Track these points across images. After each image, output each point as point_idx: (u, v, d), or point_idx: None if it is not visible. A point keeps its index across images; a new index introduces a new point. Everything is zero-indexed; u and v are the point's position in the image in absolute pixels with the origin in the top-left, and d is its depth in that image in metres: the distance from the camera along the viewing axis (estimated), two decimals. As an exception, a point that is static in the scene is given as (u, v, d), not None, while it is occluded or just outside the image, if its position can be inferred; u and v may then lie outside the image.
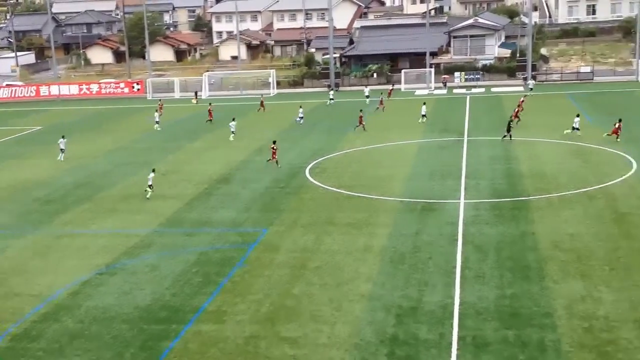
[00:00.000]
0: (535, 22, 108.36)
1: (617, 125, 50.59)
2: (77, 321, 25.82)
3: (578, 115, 54.61)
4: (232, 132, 59.42)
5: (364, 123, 59.80)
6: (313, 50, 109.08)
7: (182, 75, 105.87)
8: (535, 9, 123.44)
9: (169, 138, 62.81)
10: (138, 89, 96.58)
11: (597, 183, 39.83)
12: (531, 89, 77.07)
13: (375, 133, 58.97)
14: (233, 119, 60.62)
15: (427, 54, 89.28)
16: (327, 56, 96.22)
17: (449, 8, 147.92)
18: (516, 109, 60.53)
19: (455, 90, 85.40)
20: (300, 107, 68.28)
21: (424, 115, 63.15)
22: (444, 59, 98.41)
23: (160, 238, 34.73)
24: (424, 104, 65.04)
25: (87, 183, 47.03)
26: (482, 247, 31.00)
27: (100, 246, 33.91)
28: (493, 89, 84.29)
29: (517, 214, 35.21)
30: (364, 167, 47.21)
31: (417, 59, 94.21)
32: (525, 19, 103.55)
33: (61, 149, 54.97)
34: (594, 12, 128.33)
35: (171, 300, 27.22)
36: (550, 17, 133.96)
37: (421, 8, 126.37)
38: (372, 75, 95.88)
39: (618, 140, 49.77)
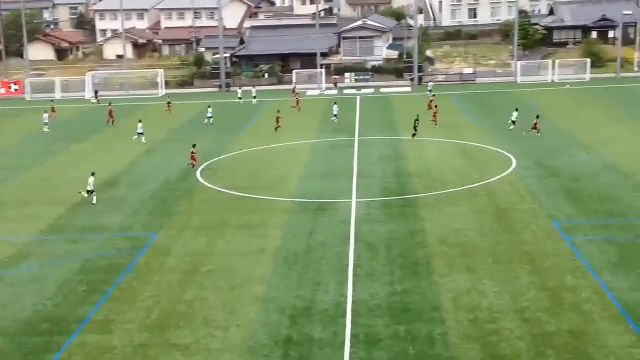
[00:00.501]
0: (420, 25, 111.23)
1: (534, 122, 52.90)
2: (-44, 335, 24.60)
3: (517, 110, 56.88)
4: (141, 133, 57.53)
5: (280, 124, 59.62)
6: (203, 49, 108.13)
7: (63, 74, 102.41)
8: (421, 11, 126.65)
9: (51, 140, 60.60)
10: (16, 89, 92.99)
11: (480, 180, 41.35)
12: (430, 90, 78.76)
13: (268, 133, 59.08)
14: (140, 121, 58.68)
15: (318, 55, 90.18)
16: (217, 56, 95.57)
17: (338, 9, 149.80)
18: (433, 112, 60.97)
19: (345, 91, 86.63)
20: (209, 106, 67.27)
21: (335, 115, 63.19)
22: (334, 59, 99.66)
23: (40, 246, 33.44)
24: (335, 103, 65.26)
25: (-34, 189, 44.86)
26: (374, 245, 31.63)
27: (-21, 256, 32.39)
28: (382, 90, 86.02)
29: (406, 212, 36.13)
30: (257, 167, 47.23)
31: (308, 60, 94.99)
32: (411, 21, 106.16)
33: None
34: (475, 16, 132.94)
35: (53, 311, 26.25)
36: (434, 19, 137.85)
37: (311, 9, 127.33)
38: (264, 76, 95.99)
39: (538, 135, 51.75)
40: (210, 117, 65.31)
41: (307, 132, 58.87)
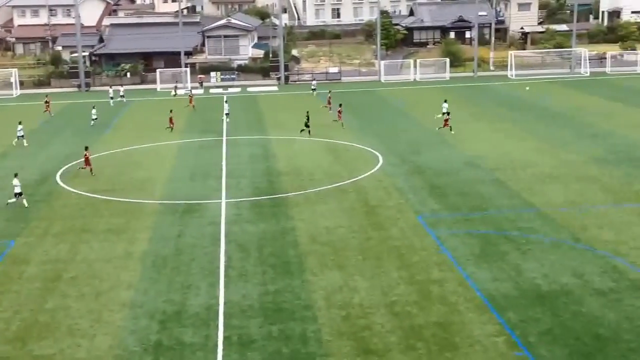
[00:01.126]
0: (285, 24, 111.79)
1: (338, 110, 57.57)
2: None
3: (445, 101, 59.03)
4: (22, 136, 54.23)
5: (173, 124, 57.85)
6: (59, 48, 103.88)
7: None
8: (285, 11, 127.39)
9: None
10: None
11: (349, 178, 41.93)
12: (314, 89, 78.85)
13: (132, 134, 57.46)
14: (20, 122, 55.17)
15: (182, 54, 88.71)
16: (76, 55, 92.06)
17: (202, 7, 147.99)
18: (335, 110, 61.09)
19: (211, 90, 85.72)
20: (94, 107, 64.26)
21: (227, 114, 61.89)
22: (199, 58, 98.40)
23: None
24: (226, 102, 64.03)
25: None
26: (245, 245, 31.34)
27: None
28: (249, 89, 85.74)
29: (277, 211, 36.05)
30: (122, 169, 45.78)
31: (172, 59, 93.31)
32: (276, 21, 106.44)
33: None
34: (338, 16, 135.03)
35: None
36: (299, 19, 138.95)
37: (173, 7, 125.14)
38: (126, 75, 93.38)
39: (453, 132, 53.23)
40: (95, 118, 62.62)
41: (174, 133, 57.70)
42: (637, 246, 29.59)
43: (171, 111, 60.00)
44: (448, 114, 56.37)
